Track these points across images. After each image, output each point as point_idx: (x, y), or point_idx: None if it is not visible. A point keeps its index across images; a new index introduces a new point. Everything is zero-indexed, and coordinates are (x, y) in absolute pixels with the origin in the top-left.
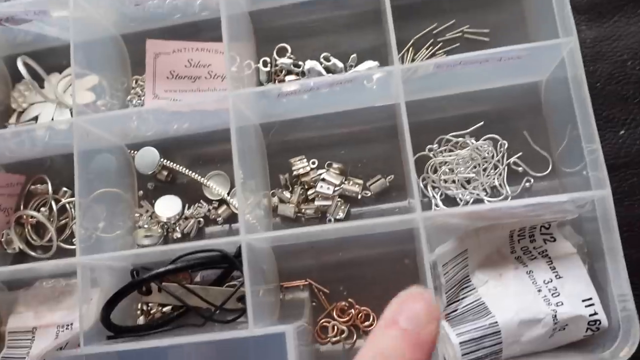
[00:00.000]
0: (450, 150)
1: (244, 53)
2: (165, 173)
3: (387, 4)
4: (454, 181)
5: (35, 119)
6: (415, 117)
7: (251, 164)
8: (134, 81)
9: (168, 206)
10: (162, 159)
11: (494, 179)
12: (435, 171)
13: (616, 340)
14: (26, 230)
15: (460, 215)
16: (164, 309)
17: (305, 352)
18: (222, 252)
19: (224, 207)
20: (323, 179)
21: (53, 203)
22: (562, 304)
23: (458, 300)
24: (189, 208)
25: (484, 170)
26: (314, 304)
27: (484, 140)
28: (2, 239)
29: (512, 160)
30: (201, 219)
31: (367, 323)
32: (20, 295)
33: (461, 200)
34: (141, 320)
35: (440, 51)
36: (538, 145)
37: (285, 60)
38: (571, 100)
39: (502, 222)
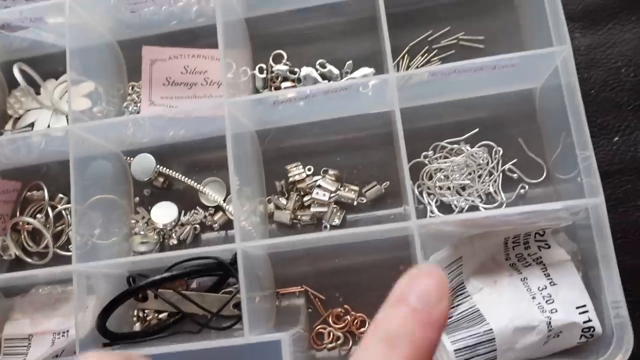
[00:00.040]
0: (446, 157)
1: (240, 60)
2: (161, 180)
3: (382, 12)
4: (449, 188)
5: (32, 125)
6: (411, 124)
7: (247, 171)
8: (130, 87)
9: (164, 213)
10: (158, 166)
11: (489, 185)
12: (430, 178)
13: (610, 347)
14: (22, 236)
15: (455, 223)
16: (160, 316)
17: (301, 359)
18: (218, 259)
19: (220, 213)
20: (319, 186)
21: (49, 209)
22: (556, 311)
23: (453, 308)
24: (185, 214)
25: (479, 177)
26: (309, 310)
27: (479, 147)
28: None
29: (507, 167)
30: (197, 226)
31: (362, 329)
32: (16, 301)
33: (456, 207)
34: (137, 327)
35: (436, 58)
36: (533, 152)
37: (281, 67)
38: (565, 108)
39: (496, 230)
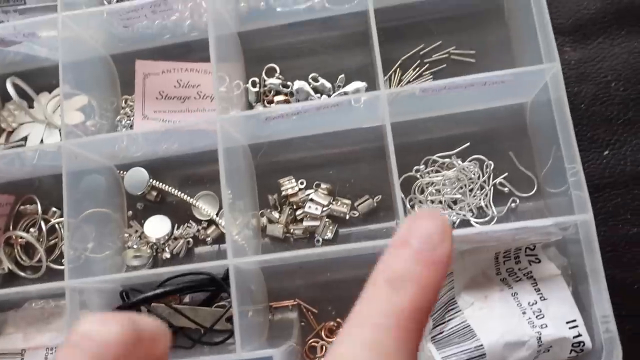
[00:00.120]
0: (437, 171)
1: (233, 73)
2: (154, 193)
3: (373, 27)
4: (440, 202)
5: (25, 139)
6: (402, 138)
7: (240, 185)
8: (124, 101)
9: (157, 226)
10: (151, 180)
11: (480, 199)
12: (422, 192)
13: None
14: (15, 250)
15: None
16: None
17: None
18: (211, 275)
19: (213, 227)
20: (311, 200)
21: (42, 223)
22: (547, 326)
23: (444, 323)
24: (178, 228)
25: (470, 190)
26: (302, 324)
27: (470, 161)
28: None
29: (498, 180)
30: (190, 239)
31: None
32: (9, 316)
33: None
34: None
35: (427, 72)
36: (523, 165)
37: (274, 81)
38: (554, 122)
39: (487, 245)
